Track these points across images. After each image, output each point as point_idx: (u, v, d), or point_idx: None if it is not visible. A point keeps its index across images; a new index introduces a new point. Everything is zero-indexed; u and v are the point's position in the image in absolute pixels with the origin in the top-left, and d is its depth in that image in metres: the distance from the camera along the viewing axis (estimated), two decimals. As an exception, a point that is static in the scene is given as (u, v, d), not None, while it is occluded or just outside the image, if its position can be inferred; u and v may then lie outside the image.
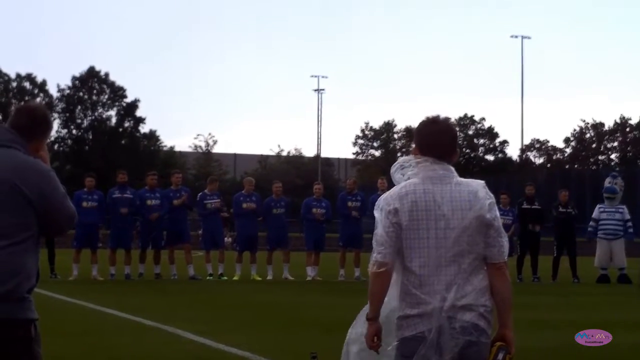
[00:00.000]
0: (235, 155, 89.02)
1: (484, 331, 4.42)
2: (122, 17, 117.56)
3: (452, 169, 4.59)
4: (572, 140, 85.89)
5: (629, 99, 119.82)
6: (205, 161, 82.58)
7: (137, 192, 21.08)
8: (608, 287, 21.02)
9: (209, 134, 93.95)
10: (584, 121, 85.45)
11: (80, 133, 77.11)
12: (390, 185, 4.79)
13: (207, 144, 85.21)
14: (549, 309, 14.94)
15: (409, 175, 4.64)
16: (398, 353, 4.47)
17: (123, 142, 76.26)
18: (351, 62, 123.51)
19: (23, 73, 77.44)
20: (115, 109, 77.34)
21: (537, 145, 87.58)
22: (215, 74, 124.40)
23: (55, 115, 74.59)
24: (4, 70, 76.67)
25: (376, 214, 4.57)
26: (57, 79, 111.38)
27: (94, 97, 77.05)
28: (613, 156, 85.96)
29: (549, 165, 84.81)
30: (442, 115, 4.68)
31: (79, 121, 76.97)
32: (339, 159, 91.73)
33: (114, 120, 77.53)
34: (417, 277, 4.43)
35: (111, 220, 21.18)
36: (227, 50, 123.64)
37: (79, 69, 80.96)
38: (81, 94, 76.79)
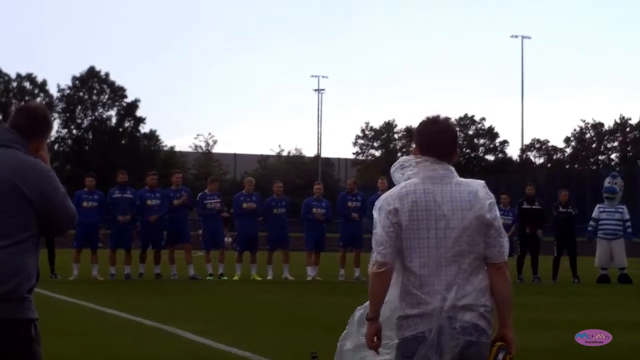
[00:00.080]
0: (235, 155, 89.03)
1: (484, 331, 4.42)
2: (122, 17, 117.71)
3: (453, 169, 4.59)
4: (572, 140, 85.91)
5: (629, 99, 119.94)
6: (206, 161, 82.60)
7: (137, 192, 21.08)
8: (608, 287, 21.02)
9: (209, 133, 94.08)
10: (584, 121, 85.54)
11: (80, 133, 77.13)
12: (391, 185, 4.79)
13: (207, 144, 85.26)
14: (549, 309, 14.94)
15: (409, 174, 4.64)
16: (398, 353, 4.47)
17: (123, 142, 76.28)
18: (351, 62, 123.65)
19: (23, 73, 77.62)
20: (115, 109, 77.39)
21: (537, 145, 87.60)
22: (215, 74, 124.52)
23: (56, 115, 74.61)
24: (4, 70, 76.83)
25: (375, 214, 4.57)
26: (58, 79, 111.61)
27: (94, 97, 77.08)
28: (613, 156, 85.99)
29: (549, 165, 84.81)
30: (442, 115, 4.68)
31: (79, 121, 77.00)
32: (339, 159, 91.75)
33: (114, 120, 77.58)
34: (417, 277, 4.43)
35: (111, 220, 21.18)
36: (227, 50, 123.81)
37: (79, 69, 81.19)
38: (81, 94, 76.81)
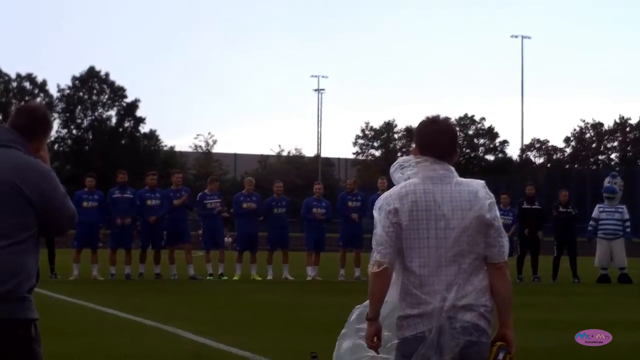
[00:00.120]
0: (235, 155, 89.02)
1: (484, 331, 4.42)
2: (122, 17, 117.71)
3: (452, 168, 4.59)
4: (572, 140, 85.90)
5: (628, 99, 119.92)
6: (206, 161, 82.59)
7: (137, 192, 21.08)
8: (608, 287, 21.02)
9: (209, 133, 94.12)
10: (584, 121, 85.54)
11: (80, 133, 77.13)
12: (390, 185, 4.79)
13: (207, 144, 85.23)
14: (549, 309, 14.95)
15: (409, 174, 4.64)
16: (398, 353, 4.47)
17: (123, 142, 76.28)
18: (351, 62, 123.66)
19: (23, 73, 77.61)
20: (115, 109, 77.38)
21: (537, 145, 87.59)
22: (215, 74, 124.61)
23: (56, 115, 74.61)
24: (4, 70, 76.83)
25: (375, 214, 4.57)
26: (57, 79, 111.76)
27: (94, 97, 77.07)
28: (613, 156, 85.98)
29: (549, 165, 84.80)
30: (442, 115, 4.68)
31: (79, 121, 76.99)
32: (339, 159, 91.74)
33: (114, 120, 77.57)
34: (417, 277, 4.43)
35: (111, 220, 21.18)
36: (227, 50, 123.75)
37: (79, 69, 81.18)
38: (81, 94, 76.81)
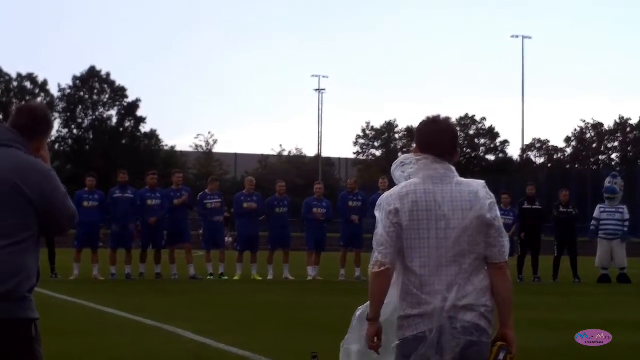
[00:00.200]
0: (236, 155, 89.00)
1: (485, 331, 4.42)
2: (122, 17, 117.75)
3: (453, 168, 4.59)
4: (572, 140, 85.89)
5: (628, 99, 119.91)
6: (206, 161, 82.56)
7: (137, 192, 21.08)
8: (609, 287, 21.02)
9: (209, 132, 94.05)
10: (584, 121, 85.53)
11: (81, 133, 77.13)
12: (392, 184, 4.79)
13: (208, 144, 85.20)
14: (549, 309, 14.95)
15: (409, 172, 4.64)
16: (399, 353, 4.47)
17: (124, 141, 76.27)
18: (351, 62, 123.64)
19: (24, 73, 77.57)
20: (116, 108, 77.38)
21: (538, 145, 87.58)
22: (215, 74, 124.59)
23: (56, 114, 74.62)
24: (5, 70, 76.80)
25: (377, 213, 4.57)
26: (58, 78, 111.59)
27: (95, 97, 77.07)
28: (613, 156, 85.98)
29: (549, 165, 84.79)
30: (443, 115, 4.68)
31: (79, 121, 76.99)
32: (339, 159, 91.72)
33: (114, 120, 77.56)
34: (418, 277, 4.43)
35: (111, 220, 21.19)
36: (227, 50, 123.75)
37: (80, 69, 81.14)
38: (82, 93, 76.81)
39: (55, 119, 72.48)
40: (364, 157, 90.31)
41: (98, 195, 20.71)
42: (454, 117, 79.01)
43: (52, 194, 4.30)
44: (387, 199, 4.54)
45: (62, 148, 75.64)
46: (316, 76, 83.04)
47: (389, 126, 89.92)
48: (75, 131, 76.85)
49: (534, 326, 11.55)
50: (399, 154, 74.95)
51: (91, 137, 77.09)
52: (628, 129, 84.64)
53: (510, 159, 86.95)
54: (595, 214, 22.72)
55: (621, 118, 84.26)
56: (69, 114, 76.24)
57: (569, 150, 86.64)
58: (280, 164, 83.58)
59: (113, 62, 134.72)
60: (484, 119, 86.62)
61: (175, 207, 20.93)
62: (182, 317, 12.62)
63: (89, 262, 20.59)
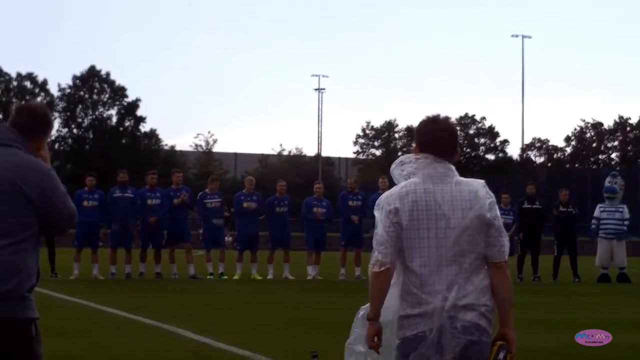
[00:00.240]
0: (235, 154, 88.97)
1: (485, 330, 4.42)
2: (122, 17, 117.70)
3: (453, 168, 4.59)
4: (572, 140, 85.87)
5: (628, 99, 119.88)
6: (206, 160, 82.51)
7: (137, 192, 21.08)
8: (609, 286, 21.02)
9: (209, 132, 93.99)
10: (584, 121, 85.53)
11: (81, 132, 77.11)
12: (392, 184, 4.79)
13: (207, 143, 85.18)
14: (549, 309, 14.94)
15: (409, 171, 4.64)
16: (399, 352, 4.47)
17: (124, 141, 76.25)
18: (351, 61, 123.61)
19: (24, 72, 77.51)
20: (115, 108, 77.36)
21: (538, 145, 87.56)
22: (215, 73, 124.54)
23: (56, 114, 74.59)
24: (5, 69, 76.75)
25: (376, 213, 4.57)
26: (58, 78, 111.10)
27: (95, 97, 77.04)
28: (613, 155, 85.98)
29: (549, 164, 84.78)
30: (443, 114, 4.68)
31: (79, 120, 76.96)
32: (339, 158, 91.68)
33: (114, 119, 77.54)
34: (418, 276, 4.43)
35: (111, 220, 21.19)
36: (227, 50, 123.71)
37: (80, 68, 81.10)
38: (82, 93, 76.77)
39: (55, 118, 72.45)
40: (364, 157, 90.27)
41: (98, 194, 20.71)
42: (454, 116, 79.08)
43: (52, 194, 4.30)
44: (386, 199, 4.54)
45: (62, 147, 75.61)
46: (316, 76, 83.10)
47: (389, 126, 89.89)
48: (75, 131, 76.84)
49: (534, 326, 11.55)
50: (399, 154, 74.96)
51: (91, 136, 77.06)
52: (628, 129, 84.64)
53: (510, 158, 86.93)
54: (596, 213, 22.72)
55: (620, 117, 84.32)
56: (68, 114, 76.22)
57: (568, 150, 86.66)
58: (280, 164, 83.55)
59: (113, 61, 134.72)
60: (483, 118, 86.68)
61: (175, 206, 20.93)
62: (182, 316, 12.62)
63: (89, 261, 20.59)
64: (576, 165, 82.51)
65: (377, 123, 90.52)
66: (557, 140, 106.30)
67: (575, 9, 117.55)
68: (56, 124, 73.00)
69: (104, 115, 77.35)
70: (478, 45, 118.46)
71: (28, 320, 4.22)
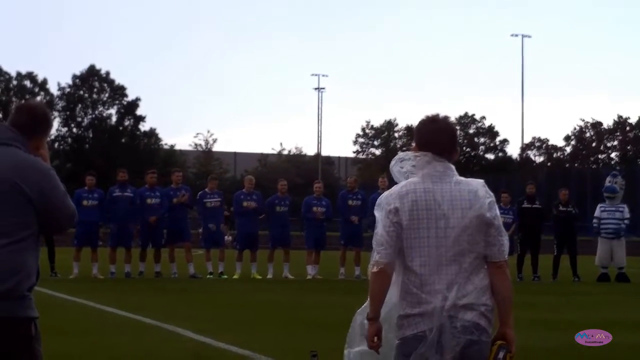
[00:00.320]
0: (235, 153, 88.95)
1: (485, 330, 4.42)
2: (122, 17, 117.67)
3: (452, 167, 4.59)
4: (572, 139, 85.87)
5: (627, 98, 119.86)
6: (206, 160, 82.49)
7: (137, 191, 21.08)
8: (608, 286, 21.02)
9: (208, 131, 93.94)
10: (584, 120, 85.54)
11: (80, 131, 77.08)
12: (392, 183, 4.78)
13: (207, 143, 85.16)
14: (549, 309, 14.94)
15: (408, 168, 4.64)
16: (399, 352, 4.47)
17: (123, 140, 76.22)
18: (351, 61, 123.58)
19: (24, 71, 77.47)
20: (115, 107, 77.34)
21: (538, 144, 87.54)
22: (215, 73, 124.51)
23: (56, 113, 74.55)
24: (5, 68, 76.70)
25: (376, 213, 4.57)
26: (58, 77, 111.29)
27: (95, 96, 77.00)
28: (613, 155, 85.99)
29: (549, 164, 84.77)
30: (442, 113, 4.68)
31: (79, 119, 76.93)
32: (339, 158, 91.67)
33: (114, 118, 77.52)
34: (418, 276, 4.43)
35: (111, 219, 21.18)
36: (227, 50, 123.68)
37: (80, 68, 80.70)
38: (82, 92, 76.73)
39: (54, 117, 72.45)
40: (364, 156, 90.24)
41: (98, 194, 20.71)
42: (454, 116, 79.08)
43: (51, 193, 4.30)
44: (386, 199, 4.54)
45: (61, 147, 75.59)
46: (316, 75, 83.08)
47: (389, 125, 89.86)
48: (74, 130, 76.80)
49: (534, 325, 11.54)
50: (399, 153, 75.12)
51: (91, 135, 77.03)
52: (627, 128, 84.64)
53: (510, 157, 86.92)
54: (596, 213, 22.73)
55: (620, 117, 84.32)
56: (68, 113, 76.18)
57: (568, 149, 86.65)
58: (280, 163, 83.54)
59: (113, 61, 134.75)
60: (483, 117, 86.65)
61: (175, 205, 20.93)
62: (182, 316, 12.62)
63: (89, 260, 20.58)
64: (576, 164, 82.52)
65: (377, 122, 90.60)
66: (556, 139, 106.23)
67: (575, 8, 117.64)
68: (56, 123, 73.03)
69: (104, 114, 77.33)
70: (478, 45, 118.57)
71: (28, 319, 4.22)
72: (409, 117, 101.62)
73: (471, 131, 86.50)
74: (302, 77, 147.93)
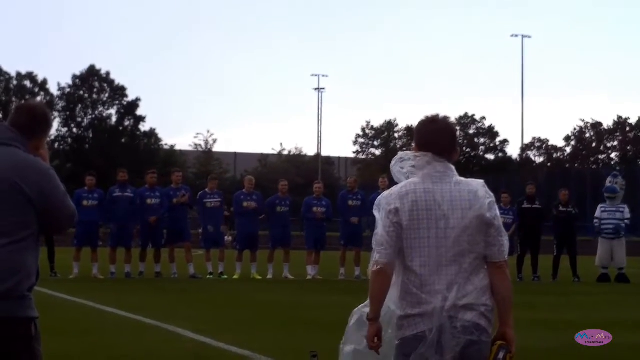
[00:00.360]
0: (235, 154, 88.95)
1: (485, 330, 4.42)
2: (122, 17, 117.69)
3: (453, 167, 4.59)
4: (572, 139, 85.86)
5: (628, 99, 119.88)
6: (206, 160, 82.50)
7: (137, 191, 21.08)
8: (608, 286, 21.02)
9: (208, 131, 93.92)
10: (583, 120, 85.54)
11: (80, 131, 77.09)
12: (392, 183, 4.78)
13: (207, 143, 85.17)
14: (549, 309, 14.94)
15: (408, 168, 4.64)
16: (399, 352, 4.47)
17: (123, 140, 76.23)
18: (351, 61, 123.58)
19: (24, 72, 77.49)
20: (115, 107, 77.35)
21: (538, 144, 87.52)
22: (215, 73, 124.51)
23: (56, 113, 74.56)
24: (5, 68, 76.72)
25: (376, 213, 4.56)
26: (58, 77, 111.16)
27: (95, 96, 77.02)
28: (613, 155, 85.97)
29: (549, 164, 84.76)
30: (442, 114, 4.68)
31: (79, 120, 76.94)
32: (339, 158, 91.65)
33: (114, 118, 77.53)
34: (418, 276, 4.43)
35: (111, 219, 21.18)
36: (227, 50, 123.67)
37: (80, 68, 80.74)
38: (82, 92, 76.75)
39: (54, 117, 72.45)
40: (364, 156, 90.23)
41: (98, 194, 20.71)
42: (454, 116, 79.07)
43: (51, 193, 4.30)
44: (386, 199, 4.54)
45: (61, 147, 75.59)
46: (316, 75, 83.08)
47: (389, 125, 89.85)
48: (74, 130, 76.81)
49: (534, 325, 11.54)
50: (399, 153, 75.07)
51: (91, 136, 77.04)
52: (627, 129, 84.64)
53: (510, 158, 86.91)
54: (597, 213, 22.73)
55: (620, 117, 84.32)
56: (68, 113, 76.19)
57: (568, 150, 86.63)
58: (280, 163, 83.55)
59: (113, 61, 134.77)
60: (483, 118, 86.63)
61: (175, 206, 20.93)
62: (182, 316, 12.62)
63: (89, 260, 20.58)
64: (576, 165, 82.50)
65: (377, 123, 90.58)
66: (556, 140, 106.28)
67: (575, 9, 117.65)
68: (56, 123, 73.02)
69: (104, 114, 77.34)
70: (478, 45, 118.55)
71: (28, 319, 4.22)
72: (409, 117, 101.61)
73: (471, 131, 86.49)
74: (302, 77, 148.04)
